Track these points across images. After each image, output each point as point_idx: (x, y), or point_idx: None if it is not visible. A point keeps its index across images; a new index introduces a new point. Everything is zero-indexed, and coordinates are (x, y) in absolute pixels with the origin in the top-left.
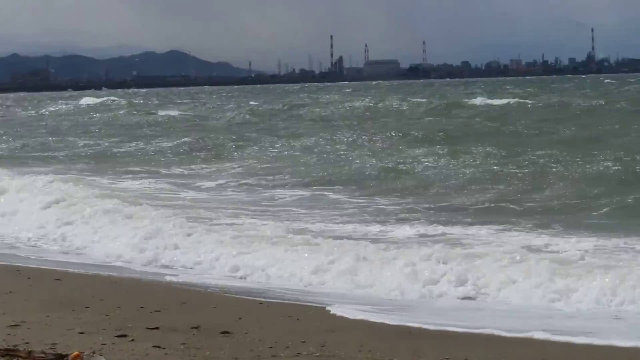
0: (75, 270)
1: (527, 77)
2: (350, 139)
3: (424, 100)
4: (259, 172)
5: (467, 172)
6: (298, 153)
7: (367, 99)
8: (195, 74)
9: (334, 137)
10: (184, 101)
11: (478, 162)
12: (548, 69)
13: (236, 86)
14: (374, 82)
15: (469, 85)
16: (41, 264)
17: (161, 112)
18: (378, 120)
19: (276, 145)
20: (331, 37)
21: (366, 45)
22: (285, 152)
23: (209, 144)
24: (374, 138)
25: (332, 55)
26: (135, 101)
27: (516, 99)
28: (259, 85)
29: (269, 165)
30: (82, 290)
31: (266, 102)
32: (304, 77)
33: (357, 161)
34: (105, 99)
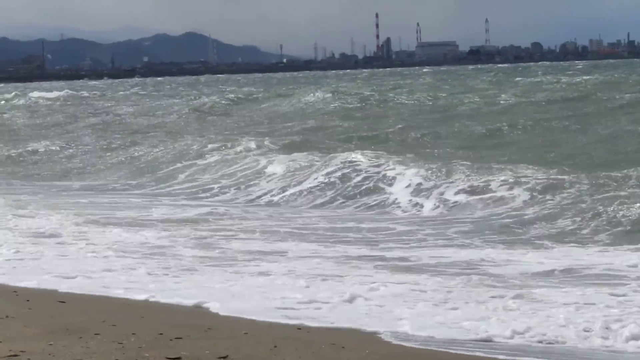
0: (81, 292)
1: (607, 61)
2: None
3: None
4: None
5: None
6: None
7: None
8: (217, 60)
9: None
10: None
11: None
12: (634, 50)
13: (259, 74)
14: (424, 69)
15: (524, 73)
16: (40, 284)
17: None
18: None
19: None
20: (376, 15)
21: (418, 25)
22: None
23: None
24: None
25: (377, 36)
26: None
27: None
28: (289, 74)
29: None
30: (90, 314)
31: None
32: (345, 62)
33: None
34: (63, 93)
